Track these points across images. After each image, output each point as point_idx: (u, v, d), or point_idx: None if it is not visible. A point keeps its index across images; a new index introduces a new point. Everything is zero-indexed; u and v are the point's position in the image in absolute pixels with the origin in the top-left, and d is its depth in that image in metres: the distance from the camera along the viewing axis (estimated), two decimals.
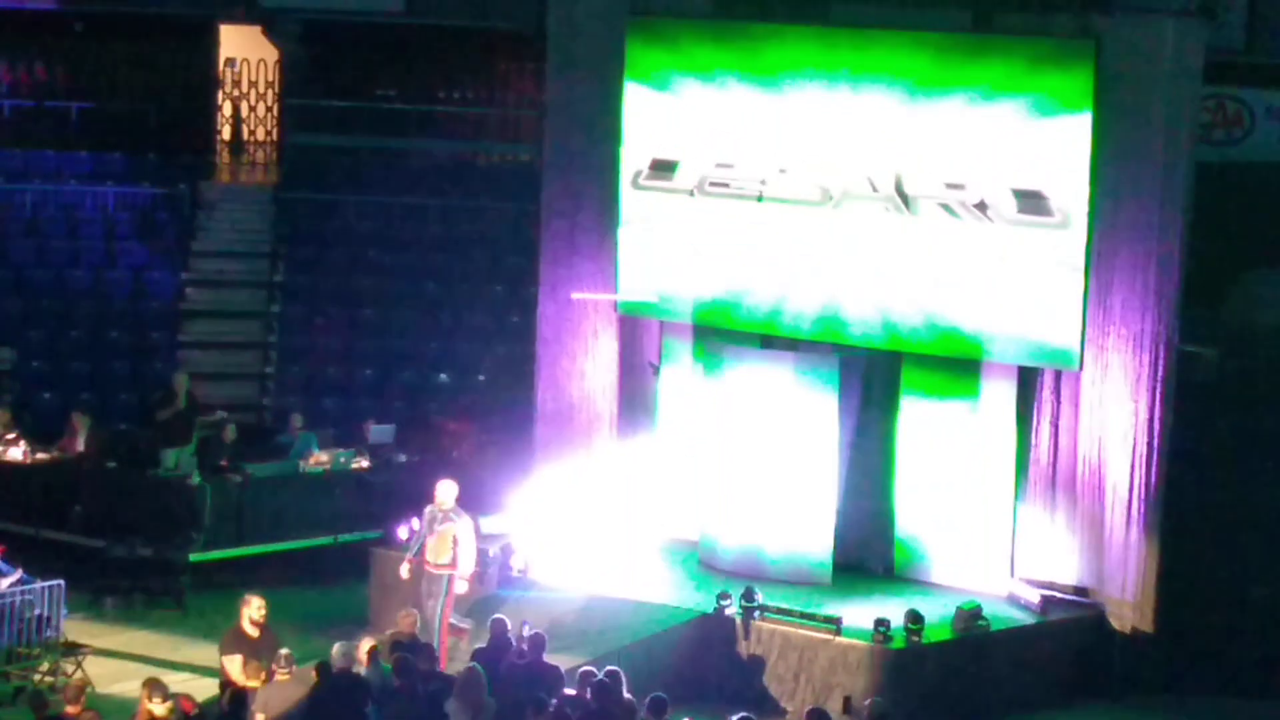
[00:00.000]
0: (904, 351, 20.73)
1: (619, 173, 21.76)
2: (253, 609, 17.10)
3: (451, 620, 18.73)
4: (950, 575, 20.55)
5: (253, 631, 17.04)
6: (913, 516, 20.84)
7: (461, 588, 19.09)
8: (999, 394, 20.38)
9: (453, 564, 19.06)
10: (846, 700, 17.69)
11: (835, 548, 20.58)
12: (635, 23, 21.66)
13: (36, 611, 18.85)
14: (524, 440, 22.39)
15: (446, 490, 19.30)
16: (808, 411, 20.48)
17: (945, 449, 20.60)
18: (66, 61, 29.61)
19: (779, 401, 20.55)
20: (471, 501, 20.41)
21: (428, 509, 19.33)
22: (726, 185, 21.29)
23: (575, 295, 22.08)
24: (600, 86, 21.82)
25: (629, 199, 21.75)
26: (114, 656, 19.45)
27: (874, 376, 21.09)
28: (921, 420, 20.72)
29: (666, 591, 20.15)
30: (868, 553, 21.02)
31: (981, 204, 20.14)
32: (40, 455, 22.99)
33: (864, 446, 20.99)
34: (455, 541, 19.09)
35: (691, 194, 21.47)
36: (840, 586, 20.32)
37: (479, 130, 29.77)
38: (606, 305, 21.98)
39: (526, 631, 17.71)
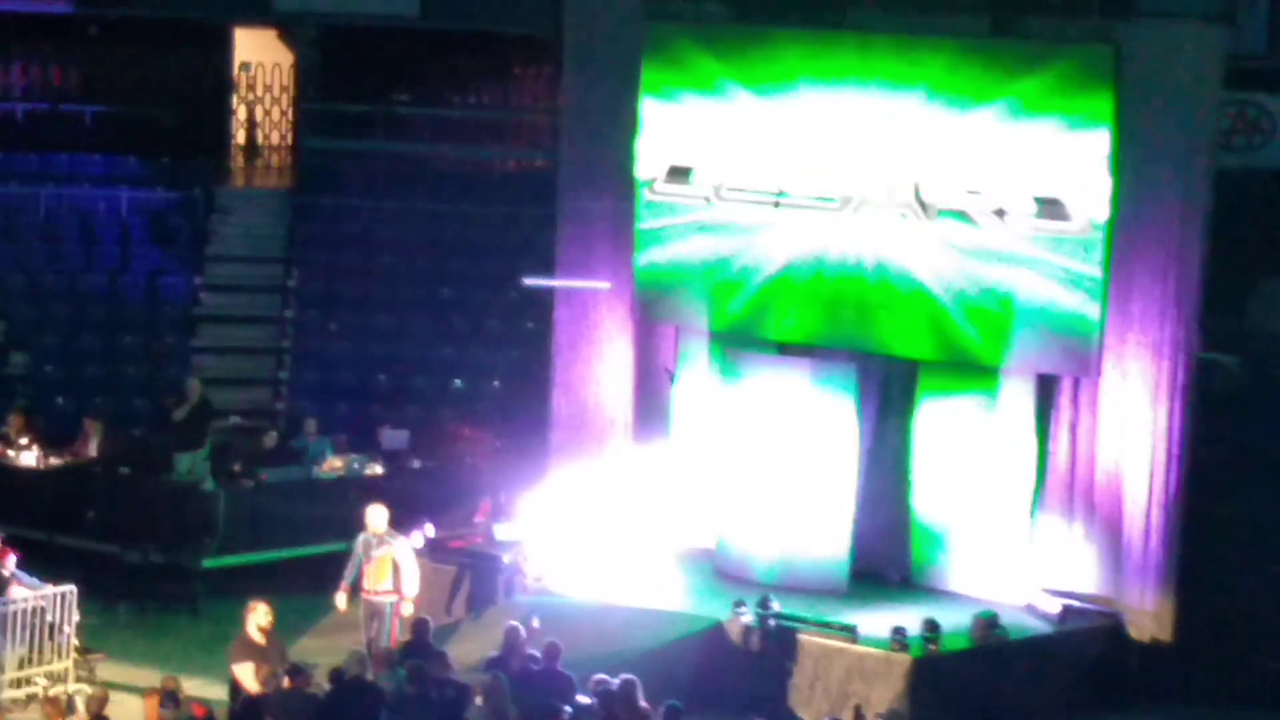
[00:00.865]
0: (921, 359, 20.65)
1: (635, 178, 21.68)
2: (259, 615, 17.02)
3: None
4: (968, 583, 20.43)
5: (260, 638, 16.96)
6: (930, 524, 20.73)
7: (407, 610, 18.72)
8: (1018, 400, 20.28)
9: (395, 589, 18.75)
10: (857, 708, 17.59)
11: (852, 555, 20.48)
12: (651, 29, 21.57)
13: (48, 617, 18.78)
14: (538, 446, 22.29)
15: (377, 515, 18.94)
16: (825, 418, 20.37)
17: (963, 455, 20.49)
18: (81, 65, 29.58)
19: (796, 408, 20.45)
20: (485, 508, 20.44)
21: (361, 536, 18.96)
22: (743, 190, 21.18)
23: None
24: (616, 91, 21.73)
25: (646, 204, 21.69)
26: (126, 662, 19.39)
27: (892, 382, 20.98)
28: (939, 422, 20.61)
29: (682, 599, 20.05)
30: (885, 560, 20.90)
31: (1000, 210, 20.02)
32: (53, 460, 22.95)
33: (881, 453, 20.88)
34: (396, 566, 18.77)
35: (708, 200, 21.38)
36: (857, 594, 20.21)
37: (494, 135, 29.72)
38: (622, 311, 21.93)
39: (535, 623, 17.65)
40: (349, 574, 18.99)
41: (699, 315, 21.56)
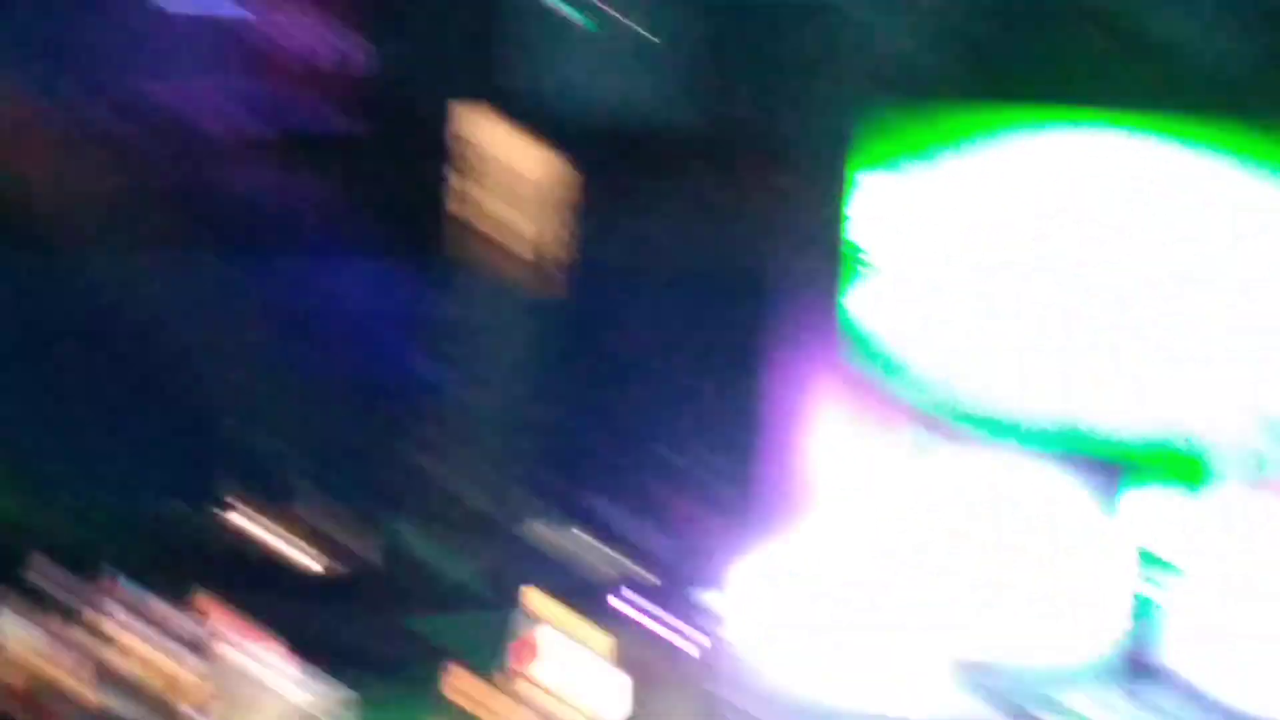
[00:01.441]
0: (1145, 464, 19.98)
1: (847, 260, 21.36)
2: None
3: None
4: (1237, 693, 19.24)
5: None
6: (1193, 624, 19.70)
7: (536, 695, 18.55)
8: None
9: (534, 674, 18.64)
10: None
11: (1108, 658, 19.60)
12: (864, 116, 21.24)
13: (262, 680, 19.28)
14: (744, 518, 22.05)
15: (532, 599, 18.83)
16: (1062, 507, 19.87)
17: (1217, 552, 19.66)
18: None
19: (1026, 494, 19.99)
20: (690, 578, 20.29)
21: (516, 613, 18.97)
22: (964, 272, 20.78)
23: None
24: (834, 180, 21.30)
25: (861, 280, 21.33)
26: None
27: (1129, 467, 20.08)
28: (1187, 514, 19.80)
29: (911, 700, 19.46)
30: (1151, 665, 19.83)
31: (1252, 303, 19.50)
32: (275, 534, 23.45)
33: (1125, 544, 19.93)
34: (540, 650, 18.65)
35: (925, 281, 21.02)
36: (1124, 699, 19.25)
37: (723, 232, 29.72)
38: (834, 383, 21.70)
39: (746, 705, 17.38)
40: (499, 654, 18.84)
41: (916, 392, 21.13)
